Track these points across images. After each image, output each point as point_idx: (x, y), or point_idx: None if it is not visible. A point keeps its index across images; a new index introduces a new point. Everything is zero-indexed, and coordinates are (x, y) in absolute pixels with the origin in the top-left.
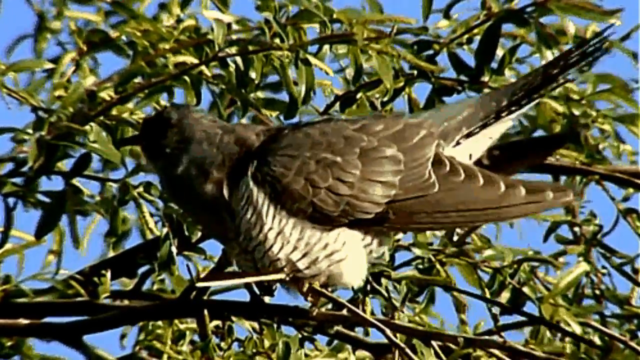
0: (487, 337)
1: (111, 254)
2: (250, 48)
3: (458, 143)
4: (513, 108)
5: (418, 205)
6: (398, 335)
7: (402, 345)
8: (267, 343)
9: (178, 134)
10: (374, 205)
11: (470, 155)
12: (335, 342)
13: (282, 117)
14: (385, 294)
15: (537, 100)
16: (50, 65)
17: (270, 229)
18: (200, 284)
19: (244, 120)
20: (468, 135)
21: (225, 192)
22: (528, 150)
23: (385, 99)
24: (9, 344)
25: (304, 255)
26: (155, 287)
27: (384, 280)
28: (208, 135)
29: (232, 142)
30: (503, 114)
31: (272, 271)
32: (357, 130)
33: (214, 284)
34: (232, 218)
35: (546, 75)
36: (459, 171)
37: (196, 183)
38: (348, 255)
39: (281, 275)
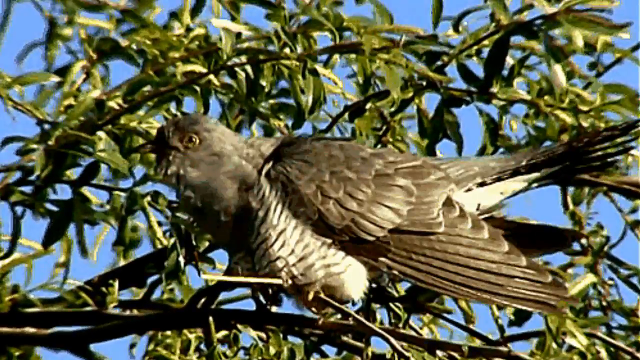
0: (491, 347)
1: (122, 262)
2: (260, 57)
3: (469, 189)
4: (529, 171)
5: (419, 243)
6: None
7: (407, 354)
8: (272, 350)
9: (208, 147)
10: (377, 228)
11: (479, 205)
12: (344, 352)
13: (290, 127)
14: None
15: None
16: (56, 78)
17: (275, 225)
18: (204, 276)
19: (253, 129)
20: (481, 185)
21: (251, 200)
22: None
23: (393, 109)
24: (17, 353)
25: (300, 260)
26: (164, 296)
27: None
28: (235, 149)
29: (257, 156)
30: (518, 174)
31: (270, 275)
32: (375, 156)
33: (219, 279)
34: (249, 222)
35: (570, 147)
36: (467, 219)
37: (227, 196)
38: (347, 269)
39: (279, 281)
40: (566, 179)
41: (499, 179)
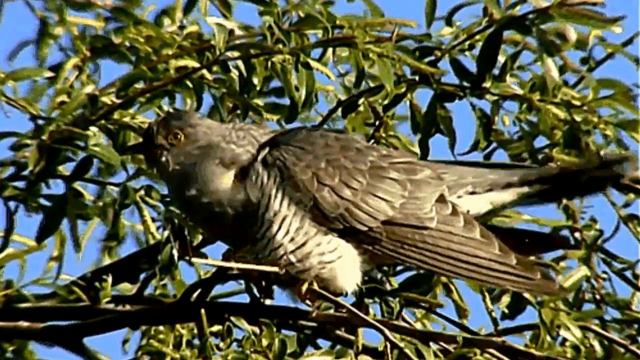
0: (485, 337)
1: (107, 259)
2: (252, 52)
3: (460, 196)
4: (521, 186)
5: (411, 236)
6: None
7: (401, 345)
8: (265, 342)
9: (195, 142)
10: (370, 219)
11: (468, 212)
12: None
13: (283, 123)
14: (384, 301)
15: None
16: (49, 74)
17: (277, 212)
18: (195, 260)
19: None
20: (472, 193)
21: (248, 188)
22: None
23: (386, 101)
24: (10, 348)
25: (298, 248)
26: (157, 292)
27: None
28: (223, 137)
29: (248, 137)
30: (510, 187)
31: (267, 263)
32: (369, 148)
33: (208, 263)
34: (251, 211)
35: (562, 171)
36: (459, 217)
37: (220, 188)
38: (339, 259)
39: (275, 269)
40: (554, 199)
41: (490, 190)
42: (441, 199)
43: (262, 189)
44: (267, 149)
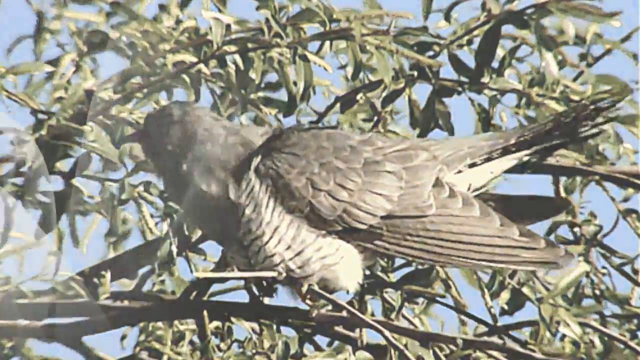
0: (486, 338)
1: (112, 254)
2: (249, 46)
3: (460, 171)
4: (519, 149)
5: (413, 225)
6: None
7: (401, 346)
8: (266, 343)
9: (180, 131)
10: (369, 217)
11: (470, 186)
12: (336, 343)
13: (281, 117)
14: (383, 297)
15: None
16: (50, 68)
17: (268, 222)
18: (196, 274)
19: (244, 119)
20: (471, 166)
21: (231, 192)
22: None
23: (384, 93)
24: (8, 345)
25: (297, 255)
26: (155, 288)
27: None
28: (211, 135)
29: (237, 143)
30: (508, 153)
31: (266, 269)
32: (363, 143)
33: (210, 275)
34: (235, 215)
35: (557, 123)
36: (457, 198)
37: (200, 182)
38: (342, 260)
39: (274, 274)
40: (551, 152)
41: (489, 159)
42: (437, 183)
43: (252, 196)
44: (259, 157)
